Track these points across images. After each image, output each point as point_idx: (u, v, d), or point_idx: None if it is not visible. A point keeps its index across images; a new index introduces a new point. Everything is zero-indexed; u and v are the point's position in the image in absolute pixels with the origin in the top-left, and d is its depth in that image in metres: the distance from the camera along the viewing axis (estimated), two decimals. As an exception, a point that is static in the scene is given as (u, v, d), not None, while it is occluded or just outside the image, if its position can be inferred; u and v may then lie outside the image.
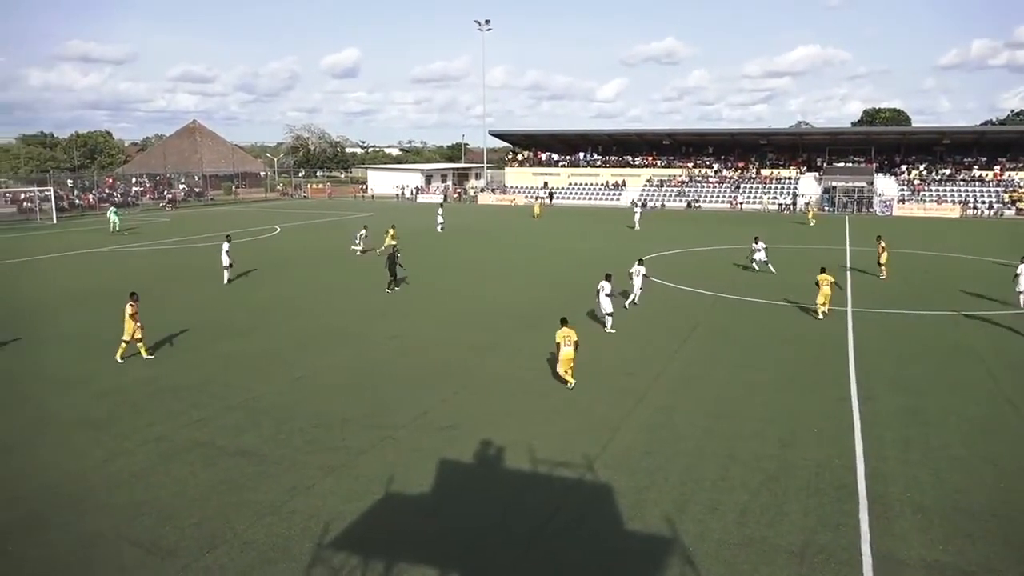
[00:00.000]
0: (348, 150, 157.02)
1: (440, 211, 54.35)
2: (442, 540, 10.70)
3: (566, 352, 16.84)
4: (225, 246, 31.41)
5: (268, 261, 36.35)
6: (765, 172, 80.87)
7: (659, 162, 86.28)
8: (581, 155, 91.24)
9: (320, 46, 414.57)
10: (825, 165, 78.63)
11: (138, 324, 19.22)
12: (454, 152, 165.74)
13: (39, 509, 11.46)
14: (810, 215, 60.94)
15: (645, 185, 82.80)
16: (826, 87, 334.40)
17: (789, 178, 78.75)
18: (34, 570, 9.86)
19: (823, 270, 25.13)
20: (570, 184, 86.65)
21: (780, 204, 73.72)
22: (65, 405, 16.17)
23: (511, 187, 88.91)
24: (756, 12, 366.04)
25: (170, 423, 15.00)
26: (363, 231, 40.15)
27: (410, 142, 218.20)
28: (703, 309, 25.92)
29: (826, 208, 72.05)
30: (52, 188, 65.03)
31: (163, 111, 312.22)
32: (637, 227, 53.44)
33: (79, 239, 47.69)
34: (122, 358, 19.25)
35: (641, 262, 26.01)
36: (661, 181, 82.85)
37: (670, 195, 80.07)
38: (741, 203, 75.92)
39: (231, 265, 31.28)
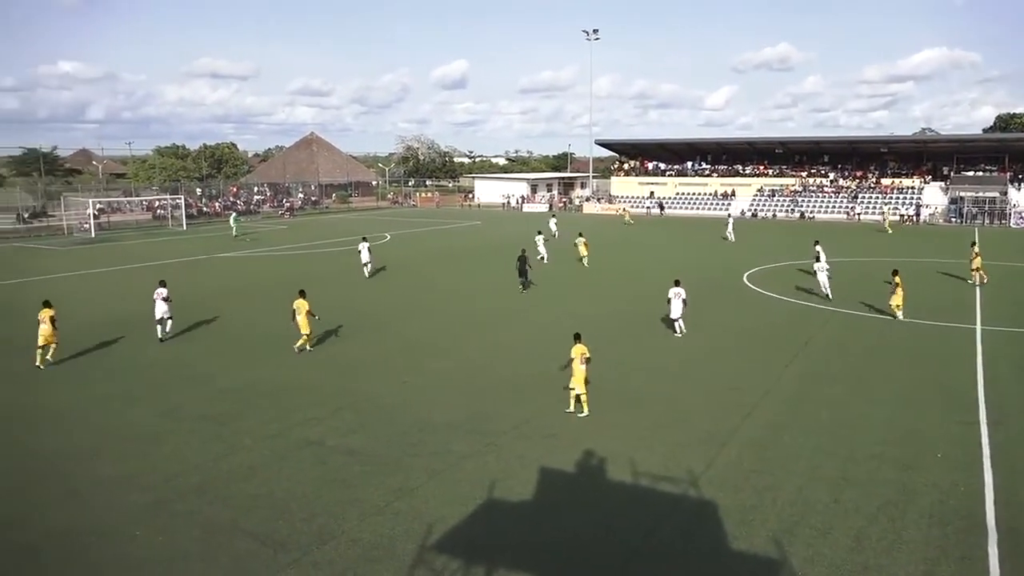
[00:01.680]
0: (456, 160, 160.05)
1: (553, 220, 54.41)
2: (540, 550, 10.70)
3: (582, 370, 15.88)
4: (366, 245, 35.80)
5: (378, 273, 37.42)
6: (885, 181, 76.92)
7: (771, 171, 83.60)
8: (689, 164, 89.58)
9: (430, 58, 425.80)
10: (952, 174, 74.16)
11: (305, 320, 21.27)
12: (560, 162, 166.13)
13: (165, 497, 12.22)
14: (886, 223, 60.23)
15: (756, 195, 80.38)
16: (953, 91, 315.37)
17: (912, 188, 74.62)
18: (160, 555, 10.52)
19: (895, 272, 25.51)
20: (677, 194, 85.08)
21: (902, 215, 70.01)
22: (191, 400, 17.22)
23: (617, 196, 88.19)
24: (876, 14, 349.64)
25: (285, 421, 15.70)
26: (539, 236, 40.96)
27: (516, 152, 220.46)
28: (816, 323, 24.89)
29: (953, 219, 67.91)
30: (183, 197, 69.27)
31: (283, 123, 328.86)
32: (730, 239, 51.49)
33: (207, 244, 50.64)
34: (310, 347, 21.57)
35: (678, 283, 23.38)
36: (772, 191, 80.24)
37: (782, 205, 77.42)
38: (859, 214, 72.46)
39: (369, 262, 35.40)
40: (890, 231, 58.21)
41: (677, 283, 23.33)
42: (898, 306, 25.01)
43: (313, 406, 16.66)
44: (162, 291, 23.06)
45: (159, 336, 22.78)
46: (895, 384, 18.22)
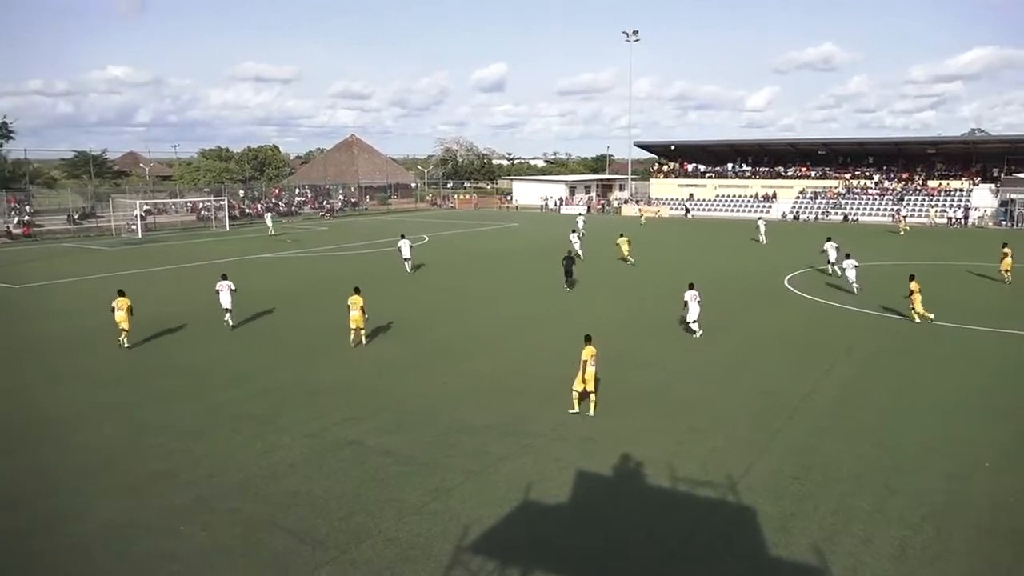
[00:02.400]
0: (495, 162, 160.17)
1: (581, 219, 54.40)
2: (577, 552, 10.67)
3: (591, 371, 16.02)
4: (406, 242, 37.24)
5: (418, 270, 37.69)
6: (932, 184, 75.20)
7: (813, 173, 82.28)
8: (729, 166, 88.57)
9: (469, 61, 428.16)
10: (1003, 176, 72.18)
11: (360, 315, 21.92)
12: (598, 164, 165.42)
13: (206, 494, 12.45)
14: (902, 225, 60.15)
15: (797, 197, 79.19)
16: (1004, 91, 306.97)
17: (960, 190, 72.81)
18: (202, 549, 10.72)
19: (912, 277, 25.31)
20: (717, 196, 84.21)
21: (950, 218, 68.39)
22: (233, 398, 17.52)
23: (655, 198, 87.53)
24: (923, 13, 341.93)
25: (323, 420, 15.89)
26: (574, 235, 41.97)
27: (555, 154, 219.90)
28: (858, 328, 24.41)
29: (1003, 222, 66.09)
30: (226, 199, 70.52)
31: (324, 126, 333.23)
32: (763, 240, 50.87)
33: (249, 245, 51.50)
34: (353, 345, 22.03)
35: (692, 286, 23.42)
36: (815, 193, 78.98)
37: (824, 207, 76.09)
38: (904, 216, 70.91)
39: (410, 258, 36.90)
40: (901, 233, 57.99)
41: (692, 286, 23.36)
42: (916, 308, 24.53)
43: (352, 406, 16.83)
44: (231, 284, 24.54)
45: (229, 324, 24.49)
46: (942, 391, 17.81)
